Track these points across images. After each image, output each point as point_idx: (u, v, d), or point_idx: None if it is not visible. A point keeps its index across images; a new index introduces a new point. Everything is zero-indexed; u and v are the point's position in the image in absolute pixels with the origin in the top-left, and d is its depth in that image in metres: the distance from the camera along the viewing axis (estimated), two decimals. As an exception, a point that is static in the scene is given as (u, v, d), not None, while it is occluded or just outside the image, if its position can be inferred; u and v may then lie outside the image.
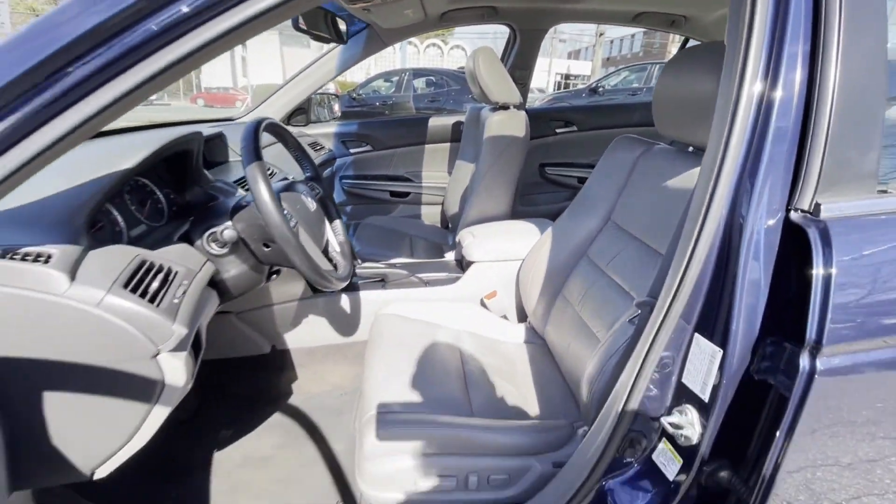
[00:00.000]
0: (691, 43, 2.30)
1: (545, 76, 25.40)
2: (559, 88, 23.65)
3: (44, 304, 0.62)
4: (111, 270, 0.68)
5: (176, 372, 0.72)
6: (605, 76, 11.15)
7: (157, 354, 0.70)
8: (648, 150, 1.17)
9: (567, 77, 27.31)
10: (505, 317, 1.54)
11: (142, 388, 0.70)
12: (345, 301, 1.52)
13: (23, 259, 0.62)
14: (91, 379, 0.67)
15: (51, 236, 0.67)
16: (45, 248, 0.64)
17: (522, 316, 1.53)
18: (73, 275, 0.64)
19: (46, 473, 0.73)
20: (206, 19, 0.52)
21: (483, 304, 1.54)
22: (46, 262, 0.63)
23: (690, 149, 1.04)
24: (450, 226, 2.27)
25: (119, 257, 0.72)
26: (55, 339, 0.64)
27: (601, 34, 20.70)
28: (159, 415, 0.74)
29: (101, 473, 0.75)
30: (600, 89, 9.93)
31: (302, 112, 2.21)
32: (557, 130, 2.52)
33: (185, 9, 0.51)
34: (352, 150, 2.50)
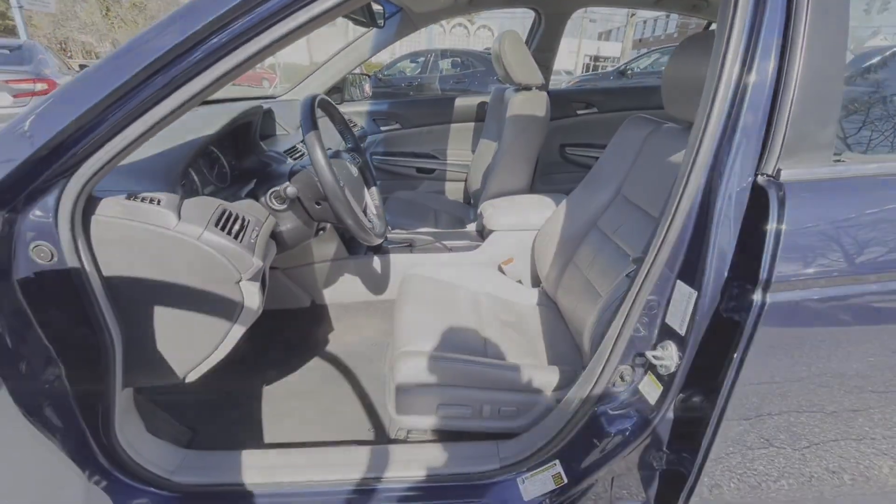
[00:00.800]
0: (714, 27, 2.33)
1: (573, 58, 24.75)
2: (587, 71, 23.06)
3: (159, 236, 0.80)
4: (205, 213, 0.86)
5: (252, 297, 0.90)
6: (635, 58, 10.86)
7: (240, 281, 0.88)
8: (657, 129, 1.27)
9: (596, 59, 26.56)
10: (520, 281, 1.69)
11: (227, 308, 0.89)
12: (376, 263, 1.70)
13: (142, 201, 0.80)
14: (190, 298, 0.86)
15: (158, 185, 0.85)
16: (155, 193, 0.82)
17: (536, 281, 1.67)
18: (179, 215, 0.82)
19: (150, 374, 0.93)
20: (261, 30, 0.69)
21: (500, 270, 1.69)
22: (159, 203, 0.81)
23: None
24: (472, 201, 2.40)
25: (207, 205, 0.90)
26: (165, 264, 0.83)
27: (632, 14, 19.96)
28: (237, 332, 0.92)
29: (190, 378, 0.95)
30: (629, 72, 9.72)
31: (337, 91, 2.36)
32: (578, 112, 2.59)
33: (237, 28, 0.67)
34: (382, 128, 2.63)
